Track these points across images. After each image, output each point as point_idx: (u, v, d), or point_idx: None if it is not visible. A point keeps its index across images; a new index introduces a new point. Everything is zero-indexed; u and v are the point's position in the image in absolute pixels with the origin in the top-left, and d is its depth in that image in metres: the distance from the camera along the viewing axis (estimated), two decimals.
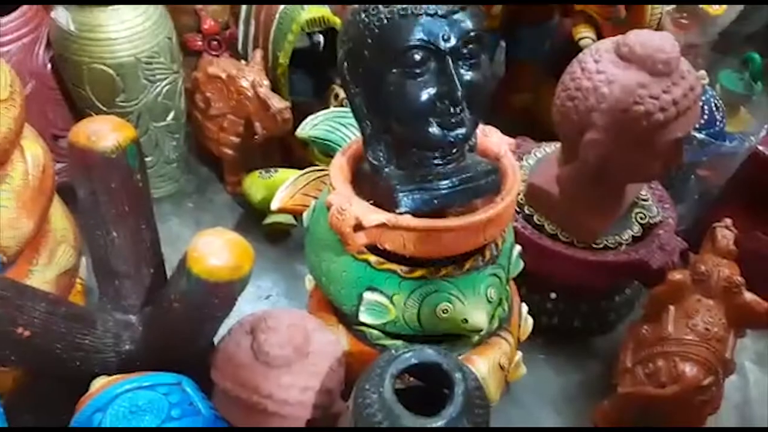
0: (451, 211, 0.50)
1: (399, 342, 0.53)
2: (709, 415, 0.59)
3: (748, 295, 0.58)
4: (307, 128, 0.69)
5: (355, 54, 0.45)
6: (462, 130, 0.46)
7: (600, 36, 0.79)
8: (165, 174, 0.86)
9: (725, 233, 0.61)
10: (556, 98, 0.60)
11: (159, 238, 0.57)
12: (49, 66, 0.73)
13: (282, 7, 0.77)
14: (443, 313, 0.49)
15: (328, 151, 0.69)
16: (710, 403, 0.58)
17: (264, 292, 0.78)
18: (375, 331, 0.53)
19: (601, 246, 0.66)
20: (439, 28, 0.42)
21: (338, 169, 0.52)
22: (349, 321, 0.55)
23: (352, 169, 0.53)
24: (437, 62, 0.44)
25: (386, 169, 0.49)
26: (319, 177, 0.70)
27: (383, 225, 0.47)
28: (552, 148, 0.72)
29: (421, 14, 0.42)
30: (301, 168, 0.75)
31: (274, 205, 0.70)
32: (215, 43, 0.89)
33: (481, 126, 0.51)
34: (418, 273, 0.49)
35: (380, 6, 0.43)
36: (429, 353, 0.40)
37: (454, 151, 0.49)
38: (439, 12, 0.42)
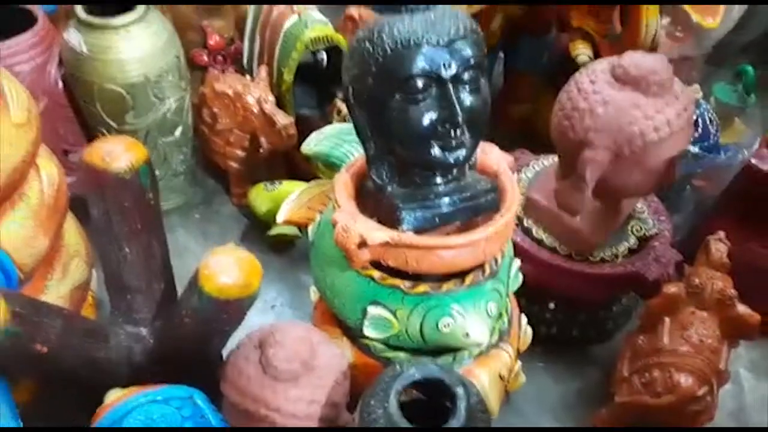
0: (452, 228, 0.52)
1: (402, 354, 0.55)
2: (704, 424, 0.61)
3: (741, 308, 0.59)
4: (312, 144, 0.71)
5: (359, 80, 0.47)
6: (462, 152, 0.48)
7: (596, 52, 0.81)
8: (173, 186, 0.87)
9: (719, 246, 0.62)
10: (554, 116, 0.62)
11: (169, 252, 0.58)
12: (60, 84, 0.75)
13: (287, 25, 0.79)
14: (445, 327, 0.51)
15: (331, 166, 0.71)
16: (705, 412, 0.59)
17: (269, 303, 0.79)
18: (379, 344, 0.55)
19: (598, 259, 0.67)
20: (441, 57, 0.44)
21: (343, 185, 0.54)
22: (353, 334, 0.56)
23: (355, 185, 0.55)
24: (438, 88, 0.45)
25: (389, 188, 0.51)
26: (323, 191, 0.72)
27: (386, 243, 0.49)
28: (550, 160, 0.74)
29: (422, 44, 0.44)
30: (305, 180, 0.77)
31: (280, 218, 0.72)
32: (221, 58, 0.91)
33: (480, 143, 0.53)
34: (421, 288, 0.51)
35: (384, 35, 0.45)
36: (432, 369, 0.41)
37: (455, 171, 0.50)
38: (441, 42, 0.44)
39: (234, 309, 0.48)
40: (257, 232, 0.85)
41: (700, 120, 0.77)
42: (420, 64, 0.44)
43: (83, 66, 0.73)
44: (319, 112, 0.86)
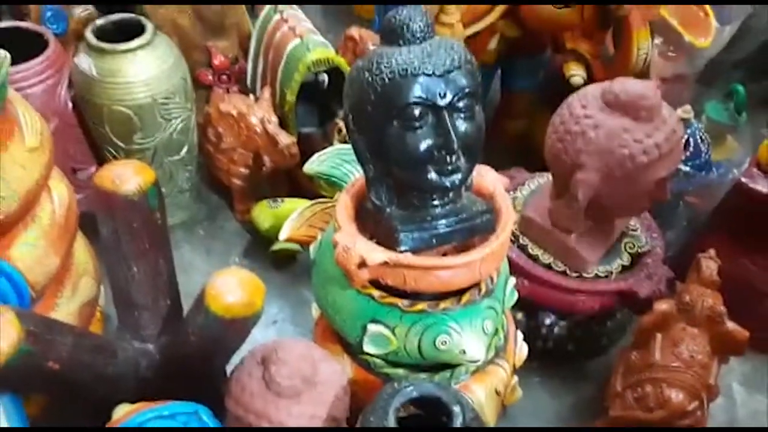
0: (449, 248, 0.54)
1: (401, 370, 0.56)
2: None
3: (730, 324, 0.61)
4: (314, 164, 0.74)
5: (358, 107, 0.49)
6: (458, 176, 0.50)
7: (590, 73, 0.83)
8: (178, 203, 0.89)
9: (709, 264, 0.64)
10: (547, 139, 0.64)
11: (175, 270, 0.60)
12: (70, 105, 0.77)
13: (289, 47, 0.81)
14: (442, 344, 0.53)
15: (333, 185, 0.74)
16: (695, 426, 0.61)
17: (271, 318, 0.81)
18: (378, 360, 0.56)
19: (592, 275, 0.69)
20: (436, 86, 0.46)
21: (343, 207, 0.55)
22: (353, 350, 0.58)
23: (355, 206, 0.56)
24: (434, 116, 0.47)
25: (388, 210, 0.53)
26: (324, 209, 0.74)
27: (385, 263, 0.51)
28: (544, 179, 0.76)
29: (419, 74, 0.46)
30: (307, 197, 0.79)
31: (283, 236, 0.74)
32: (225, 77, 0.93)
33: (476, 166, 0.55)
34: (419, 307, 0.53)
35: (382, 66, 0.47)
36: (429, 387, 0.43)
37: (451, 193, 0.52)
38: (436, 72, 0.46)
39: (239, 327, 0.50)
40: (260, 247, 0.87)
41: (691, 139, 0.79)
42: (417, 92, 0.46)
43: (93, 89, 0.75)
44: (321, 131, 0.88)
